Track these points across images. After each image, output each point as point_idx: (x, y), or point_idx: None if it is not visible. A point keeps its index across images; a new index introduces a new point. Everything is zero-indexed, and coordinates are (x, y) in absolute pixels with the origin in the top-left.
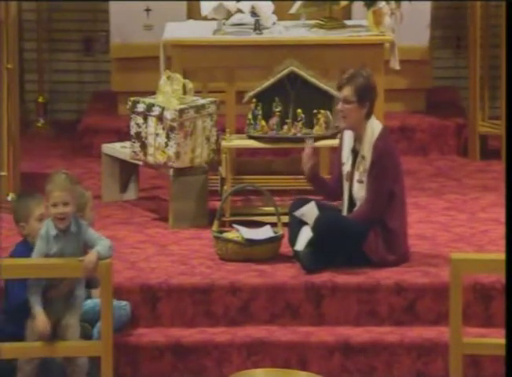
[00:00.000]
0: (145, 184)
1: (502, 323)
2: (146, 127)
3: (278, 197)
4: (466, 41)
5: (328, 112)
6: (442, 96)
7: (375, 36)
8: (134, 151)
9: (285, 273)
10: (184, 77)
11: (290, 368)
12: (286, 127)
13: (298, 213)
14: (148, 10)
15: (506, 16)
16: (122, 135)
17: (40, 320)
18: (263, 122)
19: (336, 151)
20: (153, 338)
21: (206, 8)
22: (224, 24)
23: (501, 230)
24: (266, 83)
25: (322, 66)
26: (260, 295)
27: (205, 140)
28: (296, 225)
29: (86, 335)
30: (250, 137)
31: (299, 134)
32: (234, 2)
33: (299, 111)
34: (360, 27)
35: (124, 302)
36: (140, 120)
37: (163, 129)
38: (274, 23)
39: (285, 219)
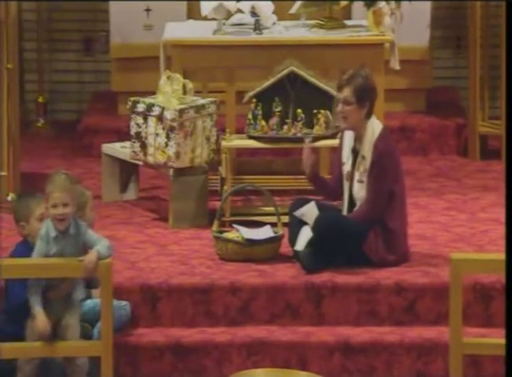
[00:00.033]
0: (145, 184)
1: (502, 323)
2: (146, 127)
3: (278, 197)
4: (466, 41)
5: (328, 112)
6: (442, 96)
7: (375, 36)
8: (134, 151)
9: (285, 273)
10: (184, 77)
11: (290, 368)
12: (286, 127)
13: (298, 213)
14: (148, 10)
15: (506, 16)
16: (122, 135)
17: (40, 320)
18: (263, 122)
19: (336, 151)
20: (153, 338)
21: (206, 8)
22: (224, 24)
23: (501, 230)
24: (266, 83)
25: (322, 66)
26: (260, 295)
27: (205, 140)
28: (296, 225)
29: (86, 335)
30: (250, 137)
31: (299, 134)
32: (234, 2)
33: (299, 111)
34: (360, 27)
35: (124, 302)
36: (140, 120)
37: (163, 129)
38: (274, 23)
39: (285, 219)
